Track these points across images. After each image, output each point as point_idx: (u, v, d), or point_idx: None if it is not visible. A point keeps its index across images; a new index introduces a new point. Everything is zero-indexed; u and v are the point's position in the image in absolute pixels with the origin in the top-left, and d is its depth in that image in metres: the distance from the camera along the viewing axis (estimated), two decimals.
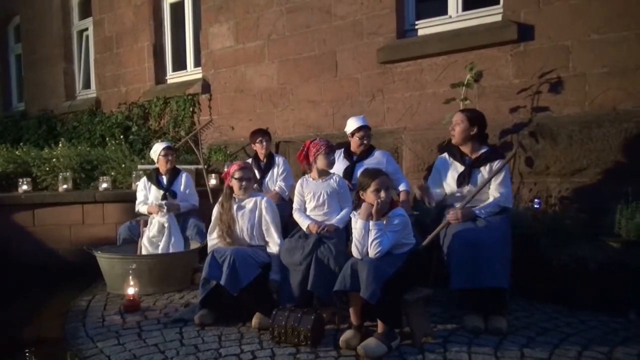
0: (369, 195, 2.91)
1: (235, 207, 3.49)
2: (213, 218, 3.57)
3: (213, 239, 3.56)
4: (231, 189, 3.51)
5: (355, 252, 2.92)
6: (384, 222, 2.87)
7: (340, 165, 4.07)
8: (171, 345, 3.03)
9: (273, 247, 3.45)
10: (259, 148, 4.90)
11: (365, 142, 4.10)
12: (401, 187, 4.07)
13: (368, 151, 4.15)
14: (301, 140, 5.62)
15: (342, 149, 4.21)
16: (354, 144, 4.15)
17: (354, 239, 2.93)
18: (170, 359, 2.84)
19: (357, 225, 2.91)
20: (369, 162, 3.99)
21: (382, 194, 2.88)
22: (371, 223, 2.85)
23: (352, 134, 4.13)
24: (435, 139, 4.72)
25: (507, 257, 3.18)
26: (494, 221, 3.26)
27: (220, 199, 3.56)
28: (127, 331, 3.30)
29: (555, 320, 3.25)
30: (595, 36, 4.02)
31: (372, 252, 2.83)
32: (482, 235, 3.15)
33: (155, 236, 4.41)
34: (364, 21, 5.27)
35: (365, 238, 2.86)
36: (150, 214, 4.51)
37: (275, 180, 4.79)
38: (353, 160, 4.13)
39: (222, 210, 3.48)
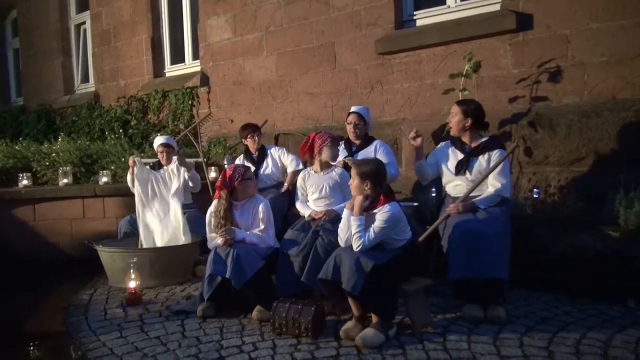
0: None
1: (237, 213, 3.47)
2: (212, 225, 3.46)
3: (214, 238, 3.48)
4: (231, 194, 3.45)
5: (339, 240, 2.95)
6: (365, 218, 2.85)
7: (340, 155, 4.08)
8: (173, 337, 3.05)
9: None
10: (251, 143, 4.93)
11: (355, 130, 4.10)
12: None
13: (367, 142, 4.16)
14: (300, 133, 5.63)
15: (343, 141, 4.23)
16: (348, 131, 4.17)
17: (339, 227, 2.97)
18: (172, 351, 2.86)
19: (344, 214, 2.94)
20: (367, 152, 4.01)
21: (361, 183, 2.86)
22: (352, 218, 2.85)
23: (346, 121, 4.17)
24: (434, 129, 4.72)
25: (506, 248, 3.19)
26: (494, 212, 3.27)
27: (219, 208, 3.42)
28: (129, 324, 3.32)
29: (554, 309, 3.27)
30: (594, 25, 4.01)
31: (354, 246, 2.84)
32: (481, 227, 3.15)
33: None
34: (362, 12, 5.25)
35: (347, 228, 2.88)
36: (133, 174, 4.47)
37: (271, 170, 4.87)
38: (352, 150, 4.15)
39: (223, 222, 3.38)
